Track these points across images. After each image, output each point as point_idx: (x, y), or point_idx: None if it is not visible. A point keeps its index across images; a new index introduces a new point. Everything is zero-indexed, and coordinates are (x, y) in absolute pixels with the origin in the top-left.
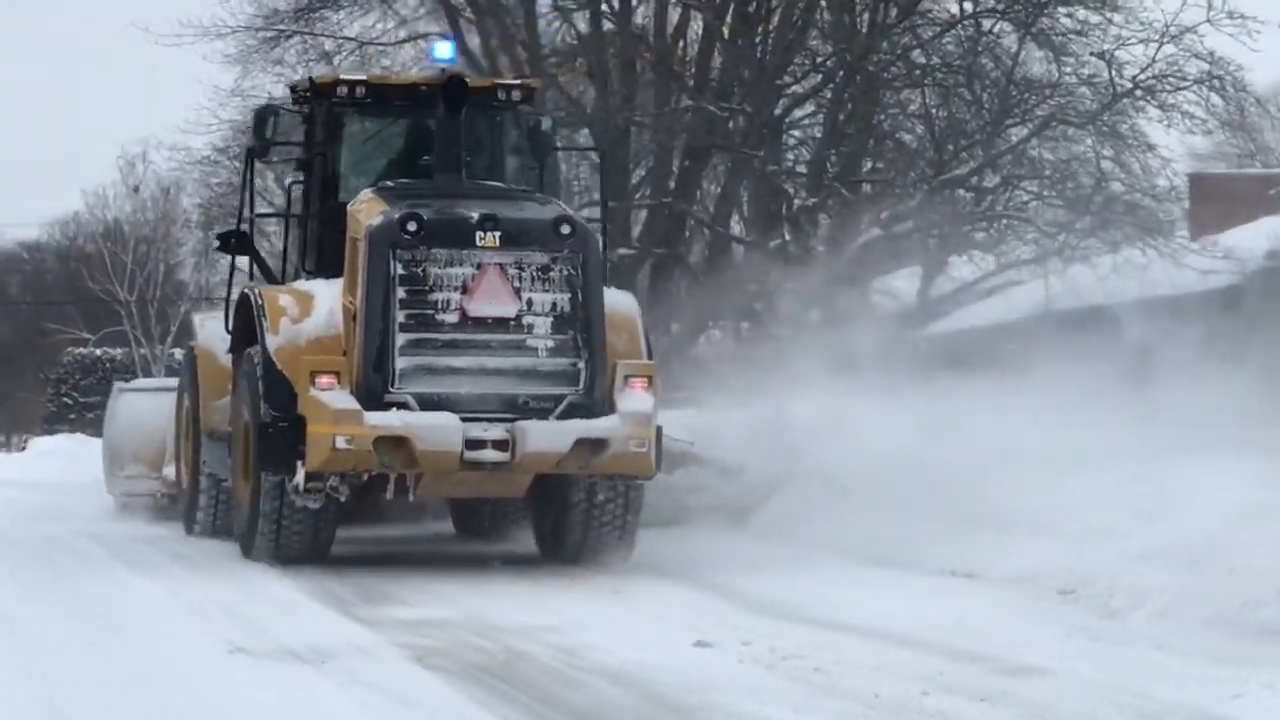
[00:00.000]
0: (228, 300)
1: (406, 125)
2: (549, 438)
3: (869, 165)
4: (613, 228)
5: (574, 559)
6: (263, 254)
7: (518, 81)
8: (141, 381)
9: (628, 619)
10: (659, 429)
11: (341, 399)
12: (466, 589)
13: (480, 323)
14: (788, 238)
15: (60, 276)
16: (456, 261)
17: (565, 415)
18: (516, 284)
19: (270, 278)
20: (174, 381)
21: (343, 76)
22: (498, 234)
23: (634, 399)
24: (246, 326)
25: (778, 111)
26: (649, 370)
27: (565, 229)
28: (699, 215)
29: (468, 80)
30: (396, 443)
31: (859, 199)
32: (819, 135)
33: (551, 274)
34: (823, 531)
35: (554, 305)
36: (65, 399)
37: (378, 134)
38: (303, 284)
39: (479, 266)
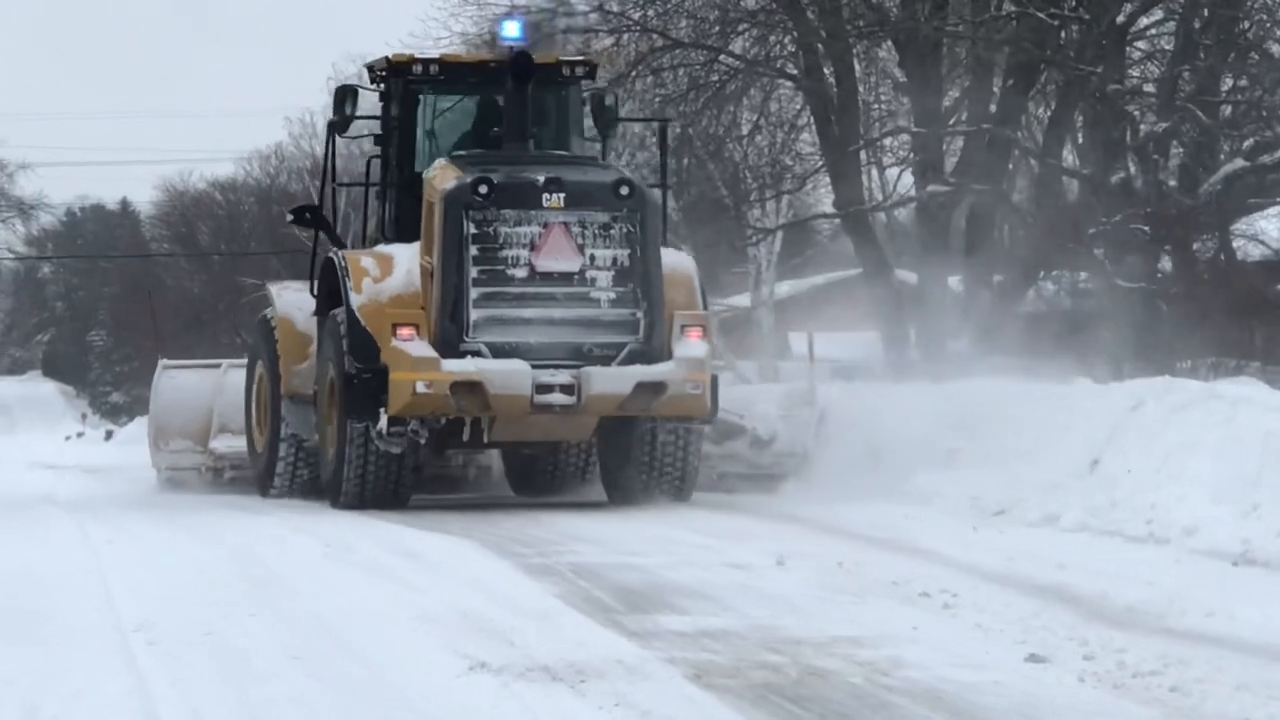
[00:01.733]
0: (312, 268)
1: (477, 99)
2: (612, 382)
3: (1229, 83)
4: (667, 192)
5: (638, 500)
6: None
7: (580, 59)
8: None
9: (945, 629)
10: (714, 377)
11: (421, 348)
12: (749, 594)
13: (547, 277)
14: (1132, 171)
15: (260, 221)
16: (524, 221)
17: (626, 361)
18: (580, 241)
19: (341, 248)
20: (216, 361)
21: (417, 56)
22: (562, 195)
23: (690, 346)
24: (331, 290)
25: (1120, 18)
26: (703, 320)
27: (624, 190)
28: (1025, 144)
29: (533, 56)
30: (471, 387)
31: (1218, 123)
32: (1169, 47)
33: (612, 231)
34: None
35: (614, 260)
36: None
37: (451, 108)
38: (383, 248)
39: (545, 225)
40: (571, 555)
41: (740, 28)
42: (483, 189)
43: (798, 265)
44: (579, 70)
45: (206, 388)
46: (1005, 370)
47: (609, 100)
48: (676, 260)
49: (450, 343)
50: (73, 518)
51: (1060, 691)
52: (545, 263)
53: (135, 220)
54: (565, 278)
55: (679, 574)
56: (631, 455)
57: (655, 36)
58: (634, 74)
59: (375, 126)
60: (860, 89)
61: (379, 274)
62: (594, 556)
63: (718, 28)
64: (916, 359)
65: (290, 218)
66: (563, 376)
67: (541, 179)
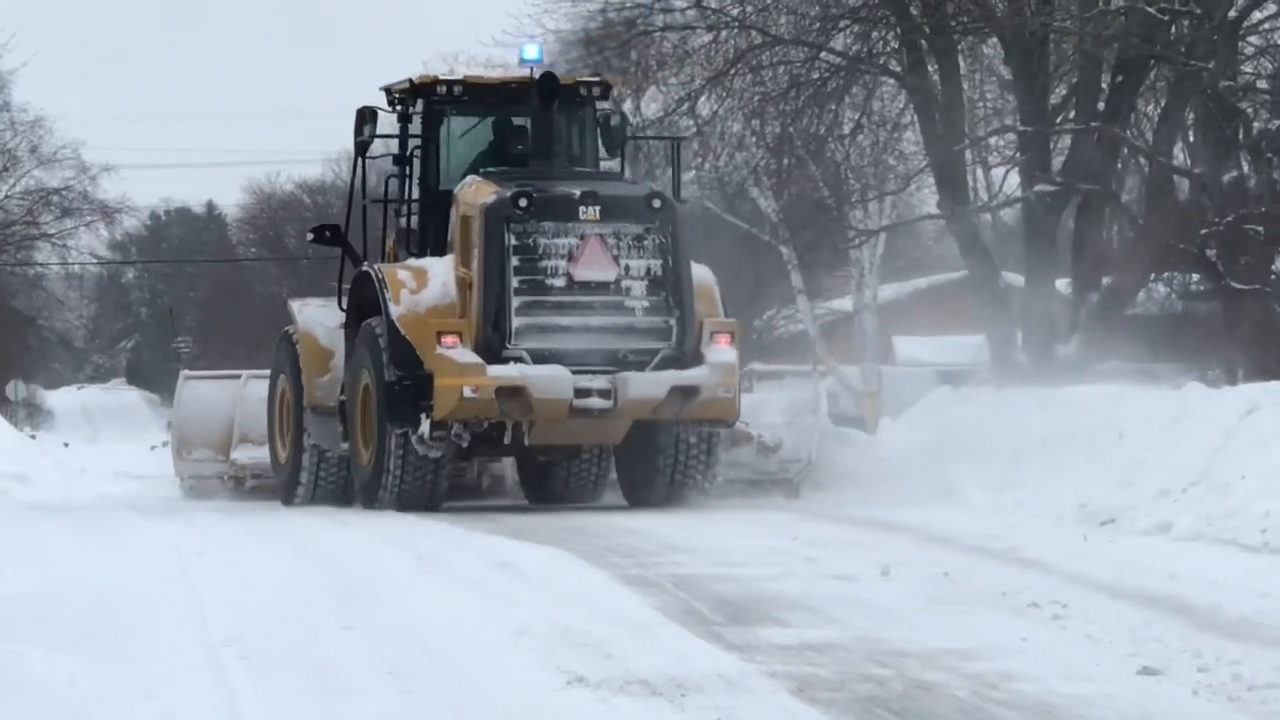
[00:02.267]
0: (340, 282)
1: (498, 119)
2: (647, 386)
3: None
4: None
5: (661, 502)
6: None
7: (596, 79)
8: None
9: (1055, 640)
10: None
11: (466, 355)
12: (853, 605)
13: (584, 286)
14: (1245, 169)
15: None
16: (562, 233)
17: (660, 367)
18: (615, 252)
19: (359, 264)
20: (237, 372)
21: (440, 77)
22: (597, 208)
23: (720, 351)
24: (361, 303)
25: (1232, 13)
26: (732, 327)
27: (656, 203)
28: (1134, 143)
29: (558, 77)
30: (515, 392)
31: None
32: None
33: (645, 242)
34: None
35: (648, 270)
36: None
37: (473, 128)
38: (415, 261)
39: (582, 237)
40: (670, 566)
41: (842, 24)
42: (523, 202)
43: (901, 268)
44: (595, 90)
45: (227, 398)
46: (1115, 375)
47: (616, 120)
48: (699, 272)
49: (493, 349)
50: (160, 530)
51: (1174, 705)
52: (583, 273)
53: (221, 223)
54: (602, 287)
55: (781, 585)
56: (658, 461)
57: (754, 33)
58: (733, 71)
59: (393, 146)
60: (965, 86)
61: (415, 286)
62: (693, 567)
63: (819, 24)
64: (1023, 363)
65: (310, 236)
66: (600, 381)
67: (578, 193)
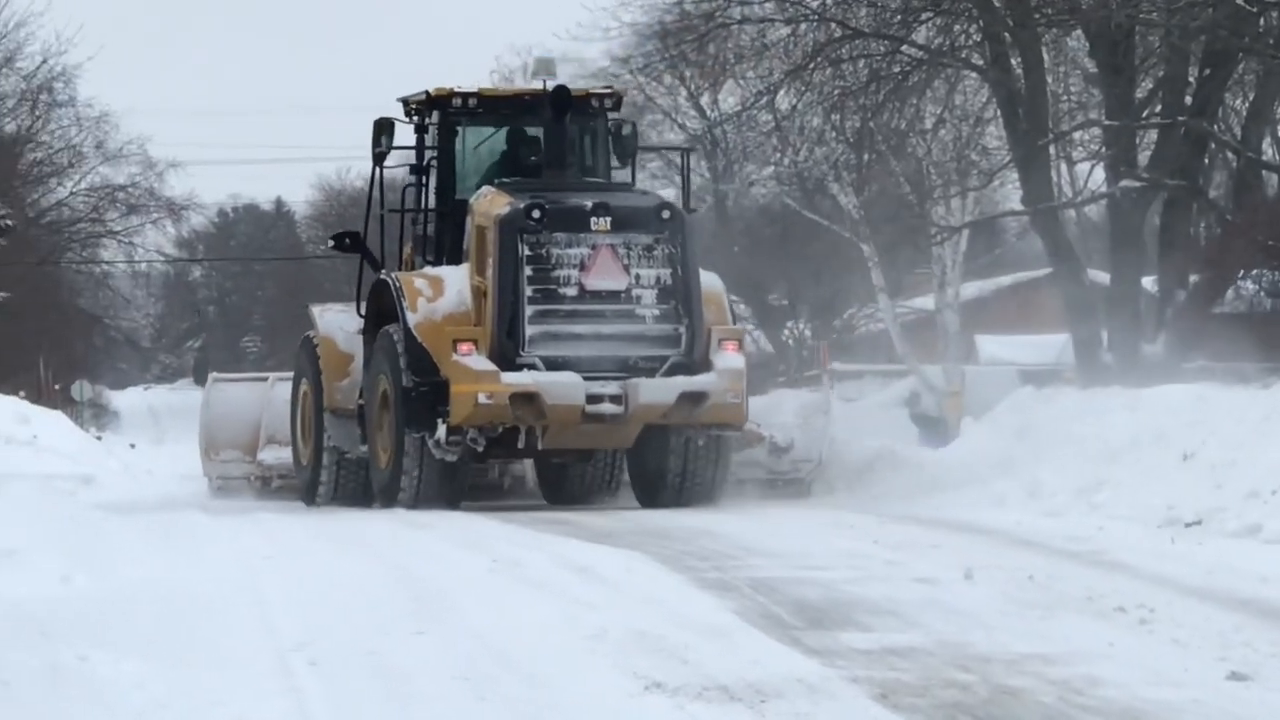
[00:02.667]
0: (358, 289)
1: (512, 130)
2: (657, 392)
3: None
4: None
5: (671, 503)
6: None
7: (608, 90)
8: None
9: (1141, 645)
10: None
11: (481, 362)
12: (936, 609)
13: (596, 295)
14: None
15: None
16: (574, 243)
17: (670, 373)
18: (626, 261)
19: (377, 270)
20: (264, 374)
21: (455, 89)
22: (608, 219)
23: (728, 358)
24: (379, 309)
25: None
26: (739, 334)
27: (666, 214)
28: (1222, 137)
29: (570, 90)
30: (529, 398)
31: None
32: None
33: (655, 252)
34: None
35: (658, 279)
36: None
37: (488, 139)
38: (431, 269)
39: (594, 247)
40: (749, 569)
41: (923, 16)
42: (536, 213)
43: (984, 266)
44: (607, 102)
45: (254, 400)
46: (1202, 375)
47: (627, 130)
48: (708, 280)
49: (507, 357)
50: (228, 533)
51: (1264, 711)
52: (594, 282)
53: (290, 221)
54: (613, 295)
55: (862, 588)
56: (668, 464)
57: (834, 26)
58: (812, 65)
59: (411, 156)
60: (1049, 80)
61: (432, 294)
62: (772, 570)
63: (900, 17)
64: (1109, 363)
65: (331, 243)
66: (612, 387)
67: (589, 204)
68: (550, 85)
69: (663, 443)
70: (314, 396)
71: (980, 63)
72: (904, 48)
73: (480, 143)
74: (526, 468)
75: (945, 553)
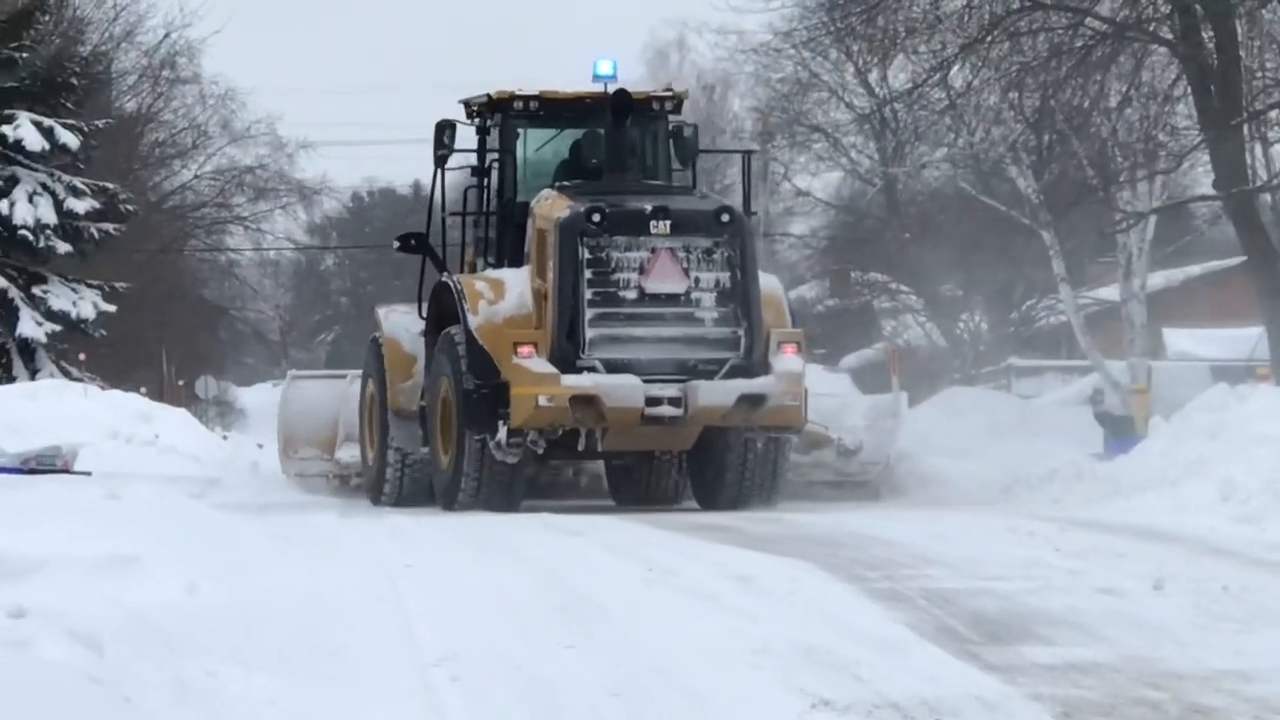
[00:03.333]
0: (420, 291)
1: (574, 133)
2: (716, 394)
3: None
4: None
5: (729, 505)
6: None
7: (669, 93)
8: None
9: None
10: (804, 389)
11: (541, 365)
12: (1123, 622)
13: (655, 298)
14: None
15: None
16: (634, 247)
17: (729, 376)
18: (685, 265)
19: (442, 271)
20: (343, 372)
21: (517, 92)
22: (668, 223)
23: (787, 361)
24: (441, 311)
25: None
26: (798, 336)
27: (725, 218)
28: None
29: (631, 93)
30: (588, 401)
31: None
32: None
33: (714, 256)
34: None
35: (717, 282)
36: None
37: (549, 141)
38: (492, 272)
39: (653, 251)
40: (923, 579)
41: None
42: (596, 217)
43: (1172, 254)
44: (668, 105)
45: (333, 398)
46: None
47: (688, 132)
48: (767, 282)
49: (568, 359)
50: (365, 539)
51: None
52: (654, 285)
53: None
54: (672, 299)
55: (1043, 600)
56: (727, 465)
57: None
58: (989, 39)
59: (473, 158)
60: (1243, 55)
61: (493, 296)
62: (948, 581)
63: None
64: None
65: (396, 245)
66: (671, 390)
67: (649, 207)
68: (610, 89)
69: (722, 445)
70: (379, 397)
71: (1169, 36)
72: (1088, 20)
73: (541, 145)
74: (600, 466)
75: (1132, 561)
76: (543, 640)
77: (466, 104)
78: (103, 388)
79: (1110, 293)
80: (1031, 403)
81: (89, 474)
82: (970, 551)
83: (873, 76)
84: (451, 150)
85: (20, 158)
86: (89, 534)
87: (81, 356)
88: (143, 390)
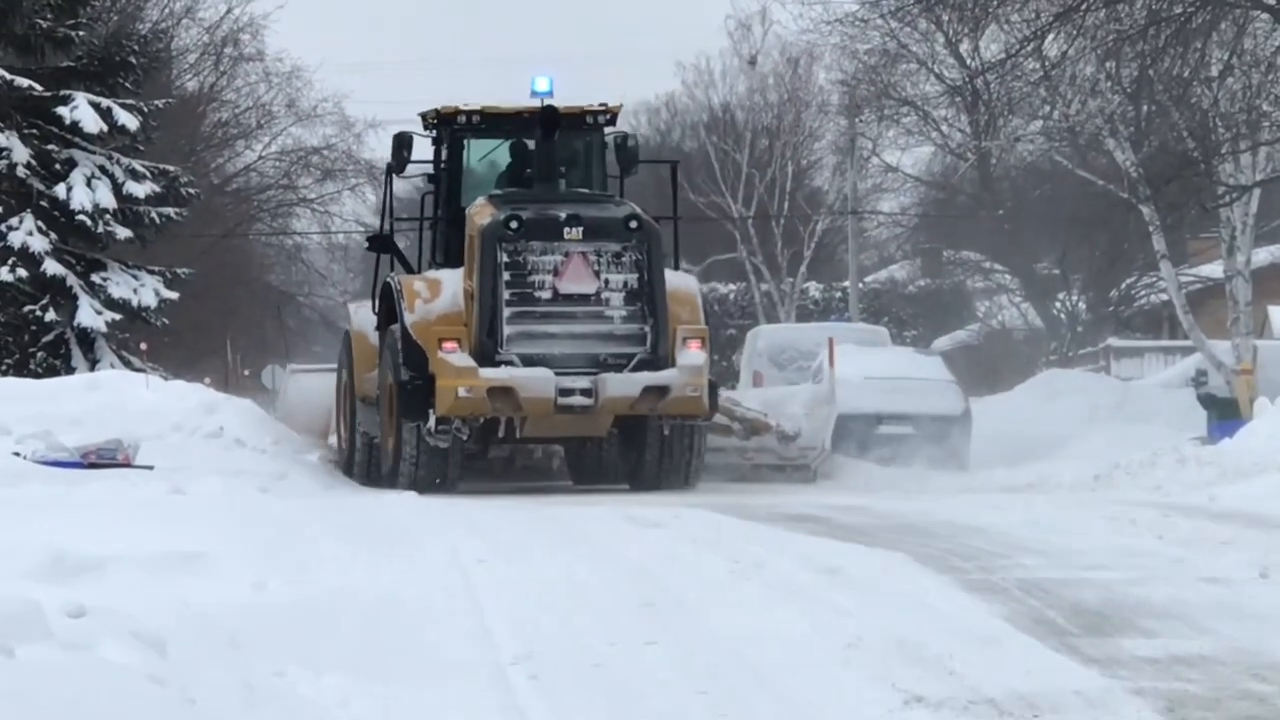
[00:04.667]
0: (374, 289)
1: (513, 145)
2: (623, 386)
3: None
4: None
5: (649, 486)
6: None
7: (602, 107)
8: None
9: None
10: (713, 382)
11: (462, 359)
12: (1228, 613)
13: (568, 298)
14: None
15: (648, 184)
16: (549, 251)
17: (636, 369)
18: (596, 268)
19: (409, 270)
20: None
21: (460, 107)
22: (580, 229)
23: (690, 355)
24: (389, 308)
25: None
26: (702, 333)
27: (634, 224)
28: None
29: (558, 109)
30: (505, 392)
31: None
32: None
33: (623, 259)
34: None
35: (625, 284)
36: None
37: (491, 152)
38: (432, 273)
39: (566, 255)
40: (1019, 569)
41: None
42: (514, 224)
43: (1278, 228)
44: (601, 118)
45: (327, 389)
46: None
47: (631, 143)
48: (682, 281)
49: (487, 354)
50: (437, 533)
51: None
52: (567, 286)
53: None
54: (584, 299)
55: (1145, 590)
56: (645, 449)
57: None
58: (1084, 6)
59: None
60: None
61: (429, 295)
62: (1045, 570)
63: None
64: None
65: (367, 245)
66: (582, 382)
67: (564, 215)
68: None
69: (640, 432)
70: (349, 386)
71: (1272, 2)
72: None
73: (484, 156)
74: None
75: (1238, 549)
76: (624, 637)
77: (423, 116)
78: (165, 378)
79: (1213, 269)
80: (1132, 385)
81: (151, 468)
82: (1068, 540)
83: (964, 47)
84: (408, 161)
85: (78, 140)
86: (151, 530)
87: (143, 346)
88: (207, 380)
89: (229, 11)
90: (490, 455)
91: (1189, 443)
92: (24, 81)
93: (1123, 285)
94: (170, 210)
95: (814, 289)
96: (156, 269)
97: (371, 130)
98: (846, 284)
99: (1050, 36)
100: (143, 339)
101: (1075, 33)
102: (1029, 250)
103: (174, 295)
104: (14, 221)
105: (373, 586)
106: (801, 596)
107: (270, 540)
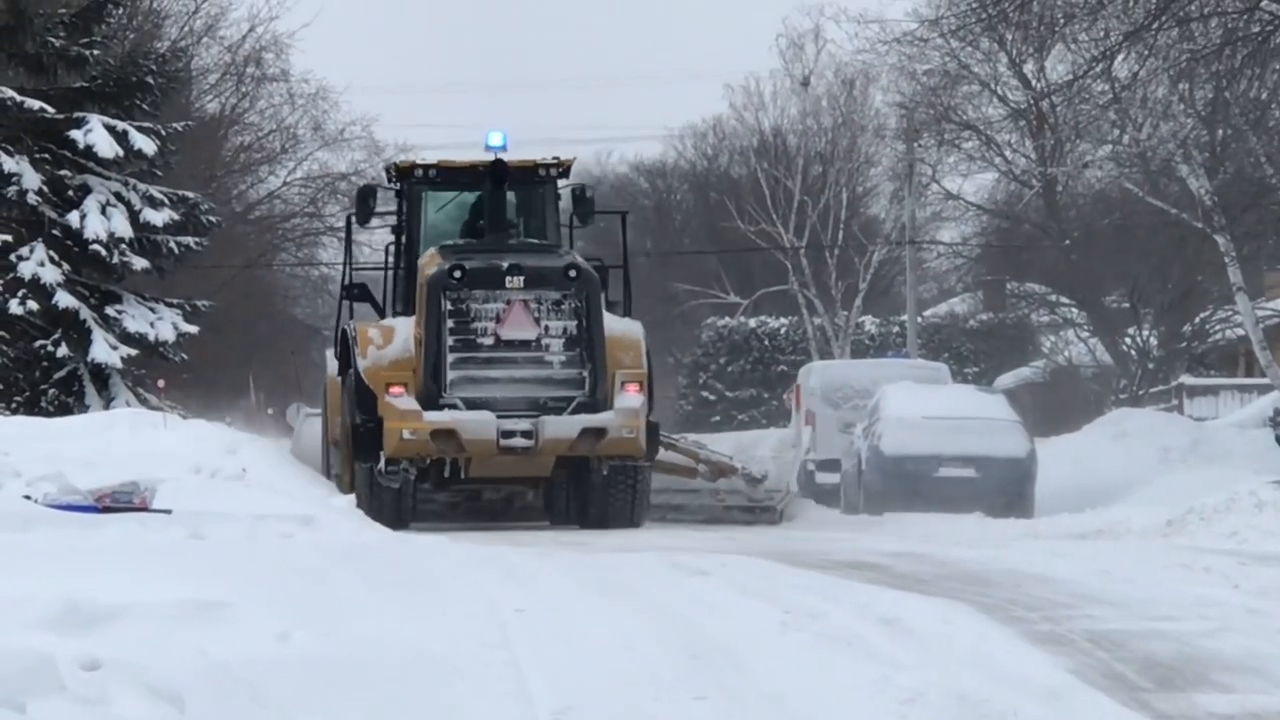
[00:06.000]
0: (336, 336)
1: (468, 197)
2: (562, 428)
3: None
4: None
5: (595, 524)
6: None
7: (554, 161)
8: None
9: None
10: (655, 424)
11: (407, 402)
12: None
13: (510, 344)
14: None
15: (694, 212)
16: (491, 299)
17: (575, 411)
18: (536, 315)
19: (382, 317)
20: None
21: (417, 161)
22: (521, 278)
23: (627, 399)
24: (348, 355)
25: None
26: (640, 376)
27: (573, 273)
28: None
29: (507, 164)
30: (448, 434)
31: None
32: None
33: (563, 307)
34: None
35: (565, 330)
36: (705, 392)
37: (446, 205)
38: (389, 320)
39: (508, 303)
40: (1086, 620)
41: None
42: (457, 274)
43: None
44: (553, 171)
45: None
46: None
47: (588, 194)
48: (627, 327)
49: (431, 398)
50: (472, 581)
51: None
52: (508, 332)
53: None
54: (524, 344)
55: (1220, 642)
56: (589, 489)
57: None
58: (1156, 26)
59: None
60: None
61: (381, 342)
62: (1114, 622)
63: None
64: None
65: (342, 295)
66: (523, 424)
67: (505, 265)
68: (496, 157)
69: (586, 475)
70: (323, 428)
71: None
72: (1264, 3)
73: (440, 208)
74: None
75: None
76: (670, 692)
77: (387, 169)
78: (184, 417)
79: None
80: (1206, 425)
81: (169, 512)
82: (1139, 589)
83: (1028, 67)
84: (372, 213)
85: (92, 165)
86: (170, 578)
87: (160, 383)
88: (228, 420)
89: (252, 29)
90: (452, 498)
91: (1267, 486)
92: (35, 103)
93: (1196, 320)
94: (189, 239)
95: (870, 323)
96: (175, 301)
97: (402, 155)
98: (904, 318)
99: (1120, 57)
100: (160, 375)
101: (1146, 53)
102: (1097, 283)
103: (193, 329)
104: (24, 251)
105: (403, 637)
106: (857, 648)
107: (295, 589)
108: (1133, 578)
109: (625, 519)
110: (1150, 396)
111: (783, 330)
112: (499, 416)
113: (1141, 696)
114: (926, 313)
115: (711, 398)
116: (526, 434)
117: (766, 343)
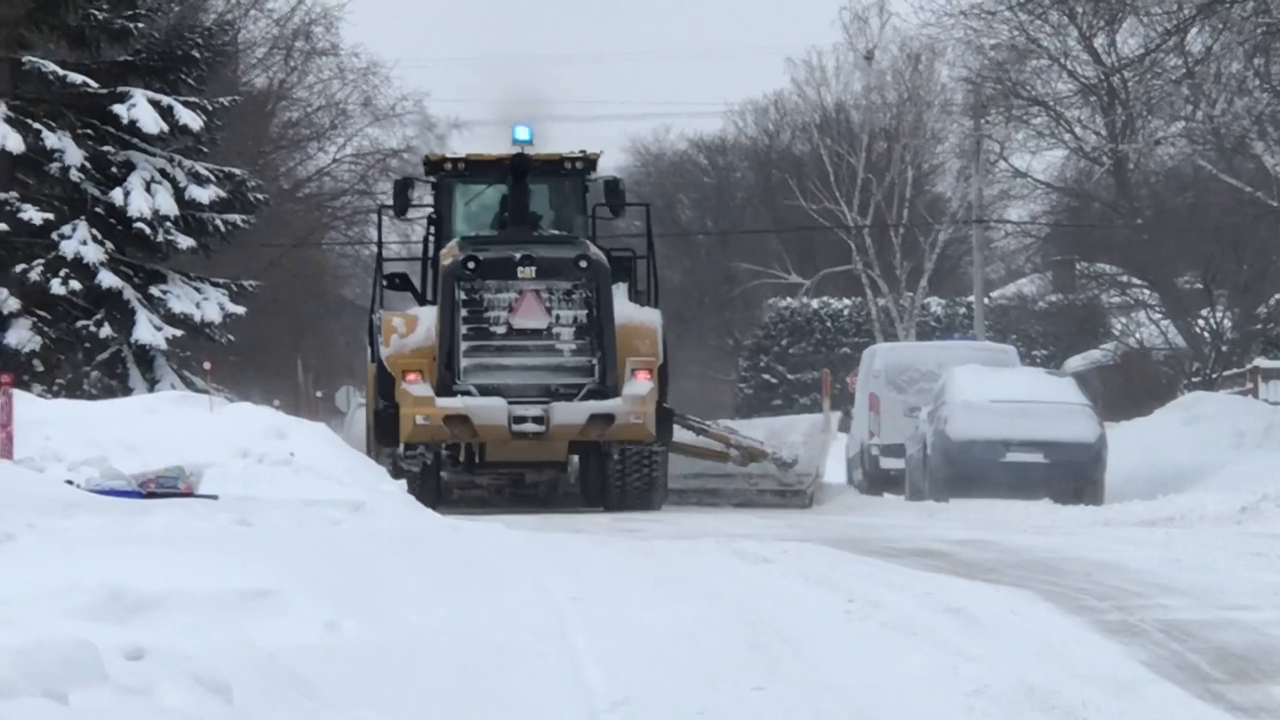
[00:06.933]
0: (370, 325)
1: (496, 189)
2: (572, 414)
3: None
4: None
5: (611, 507)
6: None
7: (579, 154)
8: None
9: None
10: (668, 409)
11: (421, 389)
12: None
13: (522, 333)
14: None
15: (752, 188)
16: (504, 289)
17: (585, 398)
18: (548, 304)
19: (421, 304)
20: None
21: (447, 155)
22: (533, 268)
23: (636, 385)
24: (374, 342)
25: None
26: (650, 364)
27: (584, 264)
28: None
29: (529, 158)
30: (461, 420)
31: None
32: None
33: (573, 296)
34: None
35: (575, 319)
36: (767, 374)
37: (475, 197)
38: (415, 309)
39: (520, 292)
40: (1158, 610)
41: None
42: (470, 265)
43: None
44: (579, 164)
45: None
46: None
47: (620, 186)
48: (645, 316)
49: (445, 385)
50: (526, 569)
51: None
52: (520, 321)
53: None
54: (536, 333)
55: None
56: (606, 473)
57: None
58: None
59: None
60: None
61: (405, 330)
62: (1187, 611)
63: None
64: None
65: (385, 284)
66: (534, 410)
67: (518, 255)
68: (523, 150)
69: (603, 460)
70: (367, 415)
71: None
72: None
73: (469, 200)
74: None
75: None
76: (729, 681)
77: (424, 161)
78: (230, 400)
79: None
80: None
81: (215, 498)
82: (1212, 578)
83: (1099, 41)
84: (408, 205)
85: (136, 141)
86: (215, 565)
87: (206, 365)
88: (276, 403)
89: (300, 2)
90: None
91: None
92: (78, 77)
93: (1271, 301)
94: (236, 217)
95: (935, 304)
96: (221, 281)
97: (455, 131)
98: (971, 299)
99: (1194, 30)
100: (206, 357)
101: (1221, 26)
102: (1169, 263)
103: (240, 310)
104: (67, 230)
105: (456, 627)
106: (922, 638)
107: (344, 576)
108: (1206, 566)
109: (642, 501)
110: (1224, 380)
111: (846, 311)
112: (510, 403)
113: (1215, 688)
114: (994, 294)
115: (773, 380)
116: (538, 419)
117: (829, 324)
